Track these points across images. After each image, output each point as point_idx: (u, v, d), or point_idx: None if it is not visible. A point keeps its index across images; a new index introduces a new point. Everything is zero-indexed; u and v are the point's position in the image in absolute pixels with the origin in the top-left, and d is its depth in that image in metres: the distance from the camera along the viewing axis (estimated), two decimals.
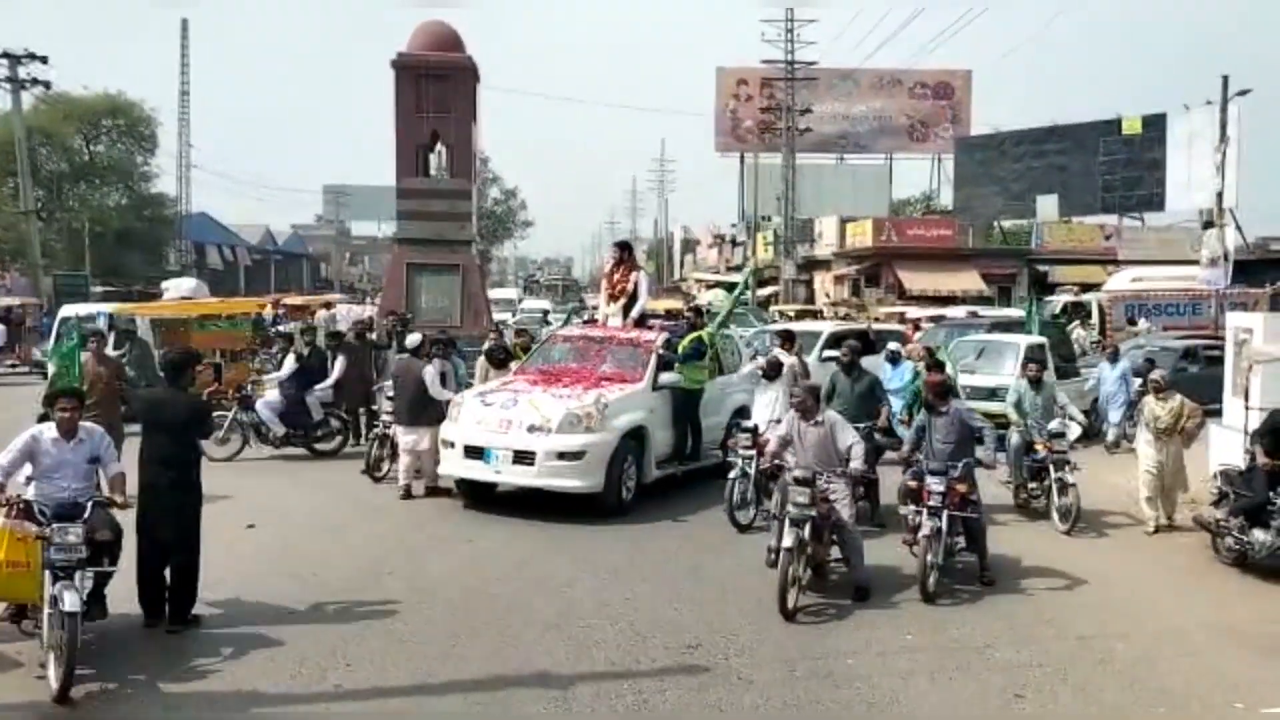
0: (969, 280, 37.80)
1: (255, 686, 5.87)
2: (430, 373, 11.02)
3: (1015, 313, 23.72)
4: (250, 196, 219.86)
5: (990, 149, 50.39)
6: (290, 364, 13.35)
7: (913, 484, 8.08)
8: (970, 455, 8.16)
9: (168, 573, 6.75)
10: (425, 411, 10.89)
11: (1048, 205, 45.96)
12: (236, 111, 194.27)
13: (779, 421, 9.51)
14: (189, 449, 6.90)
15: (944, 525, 7.68)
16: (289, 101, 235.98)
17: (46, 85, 32.91)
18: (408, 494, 10.95)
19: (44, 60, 30.85)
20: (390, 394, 11.79)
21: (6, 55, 30.35)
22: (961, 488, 7.87)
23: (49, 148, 48.11)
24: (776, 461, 7.97)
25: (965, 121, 56.51)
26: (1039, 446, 10.09)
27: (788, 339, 12.13)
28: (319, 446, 13.37)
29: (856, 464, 7.69)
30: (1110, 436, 14.32)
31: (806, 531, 7.17)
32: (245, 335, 16.78)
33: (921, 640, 6.76)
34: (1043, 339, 15.54)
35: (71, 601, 5.57)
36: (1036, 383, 10.68)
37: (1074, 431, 10.44)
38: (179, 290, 26.39)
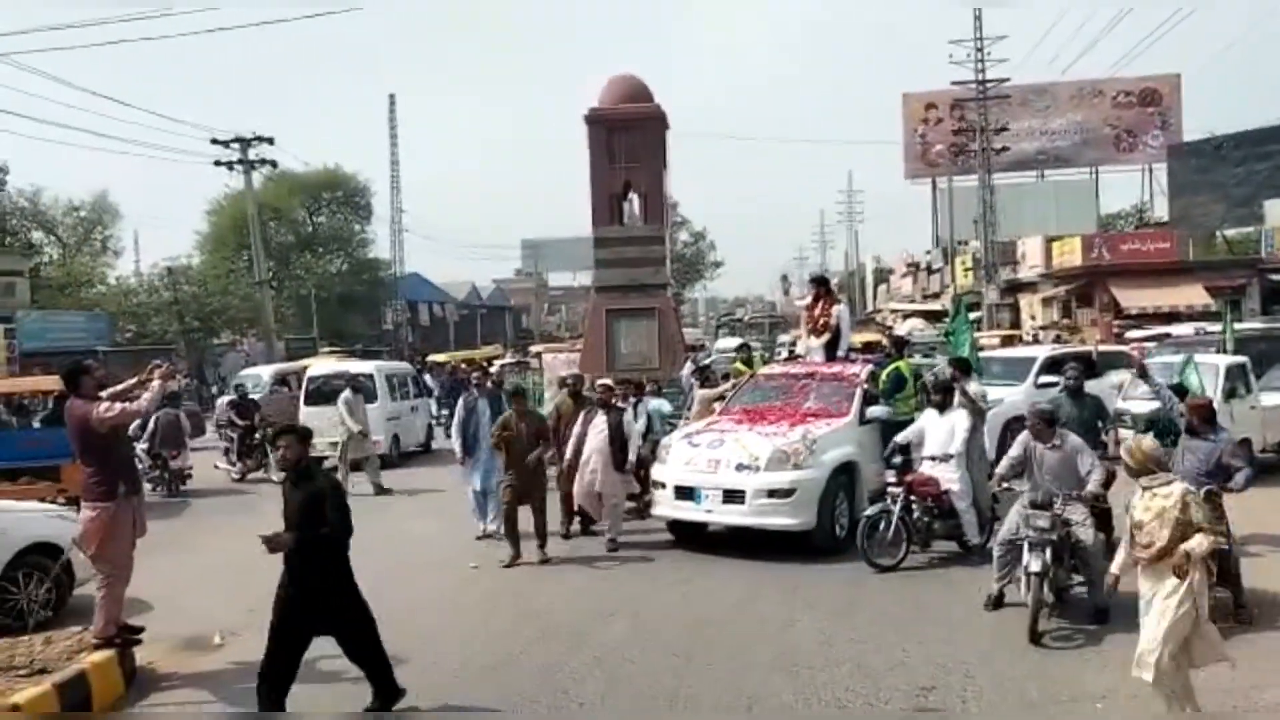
0: (1192, 294, 35.26)
1: None
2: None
3: (1257, 325, 21.79)
4: (454, 255, 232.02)
5: (1207, 154, 47.17)
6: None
7: None
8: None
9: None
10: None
11: (1278, 210, 42.46)
12: (441, 175, 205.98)
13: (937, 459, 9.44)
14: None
15: None
16: (488, 163, 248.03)
17: (274, 164, 35.75)
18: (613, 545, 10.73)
19: (270, 141, 33.51)
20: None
21: (239, 140, 33.17)
22: None
23: (277, 222, 52.44)
24: (1005, 485, 7.99)
25: (1176, 128, 53.17)
26: None
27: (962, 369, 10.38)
28: None
29: (1093, 487, 7.57)
30: None
31: (1048, 555, 7.16)
32: None
33: None
34: (1243, 359, 13.71)
35: None
36: None
37: None
38: None
